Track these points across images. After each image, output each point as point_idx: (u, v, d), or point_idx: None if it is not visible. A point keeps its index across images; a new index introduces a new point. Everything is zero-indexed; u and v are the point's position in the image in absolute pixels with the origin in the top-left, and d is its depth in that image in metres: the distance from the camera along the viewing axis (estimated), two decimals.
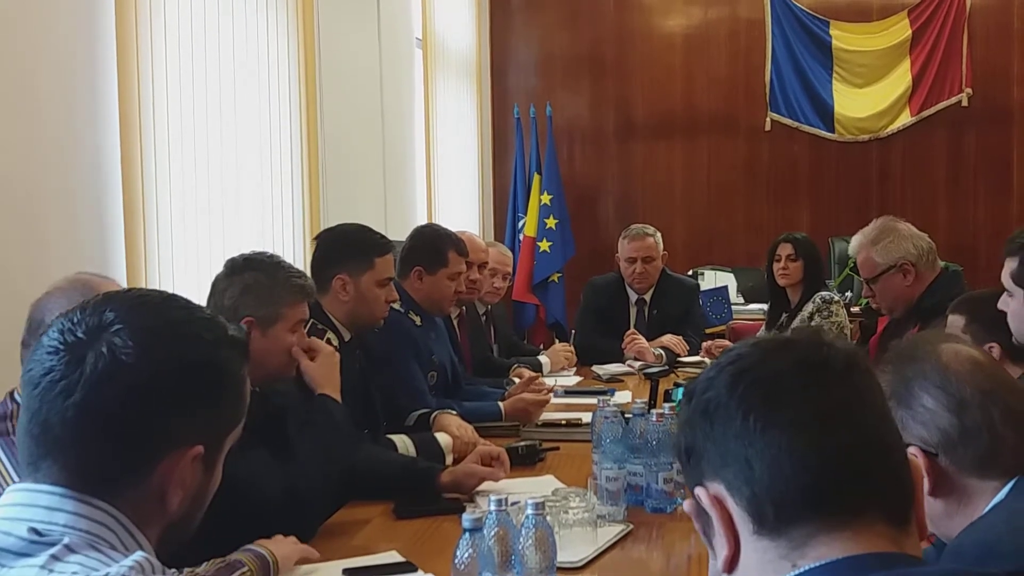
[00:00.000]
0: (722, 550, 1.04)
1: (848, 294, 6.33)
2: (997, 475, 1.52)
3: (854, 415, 1.02)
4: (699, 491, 1.06)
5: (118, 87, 2.98)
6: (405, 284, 3.63)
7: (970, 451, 1.52)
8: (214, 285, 2.45)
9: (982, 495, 1.52)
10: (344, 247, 3.11)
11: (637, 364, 4.66)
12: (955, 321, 2.66)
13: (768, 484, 1.00)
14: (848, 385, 1.04)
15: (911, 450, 1.52)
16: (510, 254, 5.33)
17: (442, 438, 3.06)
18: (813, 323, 4.63)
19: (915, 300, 3.59)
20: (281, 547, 2.07)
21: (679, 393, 3.48)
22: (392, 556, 2.19)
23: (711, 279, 7.05)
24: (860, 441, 1.01)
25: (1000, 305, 2.46)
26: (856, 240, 3.78)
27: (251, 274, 2.41)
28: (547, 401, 3.60)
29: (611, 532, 2.34)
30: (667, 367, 4.50)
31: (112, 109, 2.97)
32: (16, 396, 2.05)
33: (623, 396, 3.98)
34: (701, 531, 1.08)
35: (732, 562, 1.03)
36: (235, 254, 2.52)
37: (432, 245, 3.69)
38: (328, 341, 2.95)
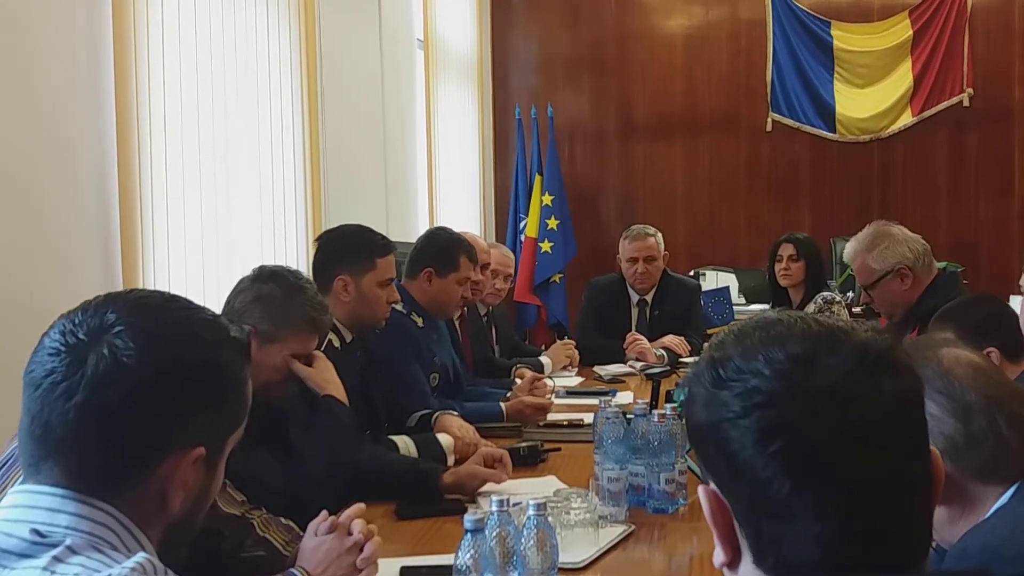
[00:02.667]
0: (720, 553, 0.99)
1: (850, 294, 6.32)
2: (1000, 480, 1.52)
3: (892, 487, 0.93)
4: (702, 490, 1.00)
5: (115, 88, 2.97)
6: (412, 285, 3.63)
7: (975, 457, 1.52)
8: (236, 284, 2.46)
9: (985, 501, 1.52)
10: (345, 248, 3.11)
11: (639, 365, 4.66)
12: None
13: (775, 543, 0.94)
14: (893, 451, 0.93)
15: None
16: (512, 255, 5.33)
17: (443, 439, 3.05)
18: None
19: (914, 303, 3.58)
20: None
21: (680, 394, 3.47)
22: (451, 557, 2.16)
23: (712, 279, 7.05)
24: (891, 517, 0.93)
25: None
26: (851, 247, 3.75)
27: (269, 287, 2.40)
28: (548, 407, 3.59)
29: (613, 533, 2.34)
30: (669, 368, 4.51)
31: (110, 110, 2.96)
32: None
33: (625, 397, 3.97)
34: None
35: (730, 567, 0.99)
36: (244, 270, 2.53)
37: (445, 248, 3.70)
38: (329, 342, 2.95)
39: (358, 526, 1.95)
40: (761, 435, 0.92)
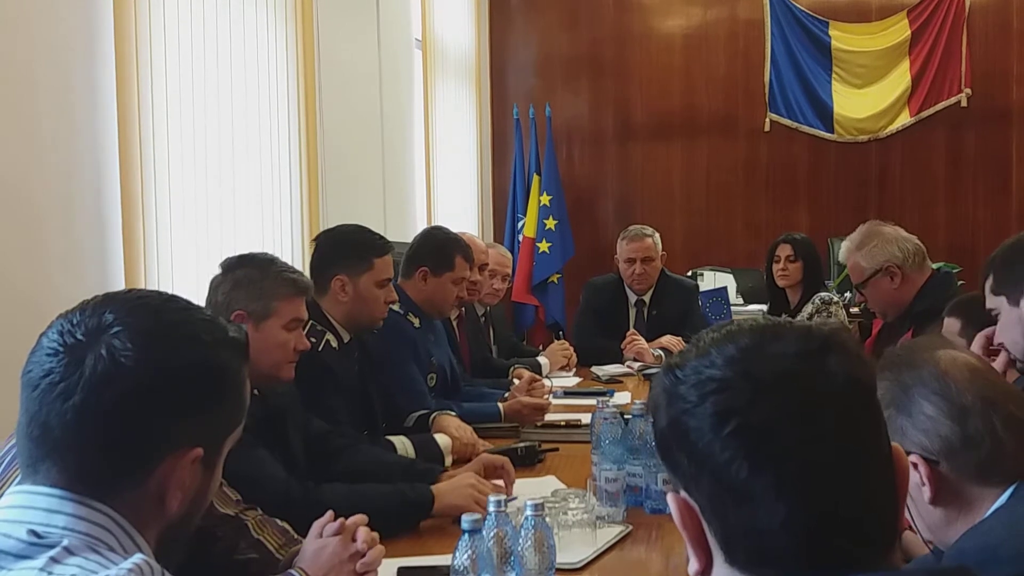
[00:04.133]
0: (693, 561, 1.00)
1: (848, 295, 6.32)
2: (998, 482, 1.52)
3: (848, 466, 0.95)
4: (671, 497, 1.01)
5: (116, 90, 2.97)
6: (408, 284, 3.63)
7: (972, 458, 1.52)
8: (211, 283, 2.45)
9: (982, 502, 1.52)
10: (343, 248, 3.10)
11: (636, 365, 4.67)
12: (951, 324, 2.65)
13: (742, 534, 0.95)
14: (846, 429, 0.95)
15: (911, 458, 1.51)
16: (509, 255, 5.33)
17: (441, 439, 3.05)
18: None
19: (907, 303, 3.58)
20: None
21: None
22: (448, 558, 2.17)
23: (710, 280, 7.04)
24: (850, 498, 0.94)
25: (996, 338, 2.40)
26: (844, 246, 3.78)
27: (243, 270, 2.41)
28: (546, 407, 3.59)
29: (610, 533, 2.34)
30: None
31: (111, 111, 2.97)
32: None
33: (622, 397, 3.98)
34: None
35: (703, 575, 1.00)
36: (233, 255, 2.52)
37: (441, 248, 3.69)
38: (327, 342, 2.95)
39: (362, 534, 1.96)
40: (717, 418, 0.95)
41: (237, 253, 2.51)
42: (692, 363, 0.99)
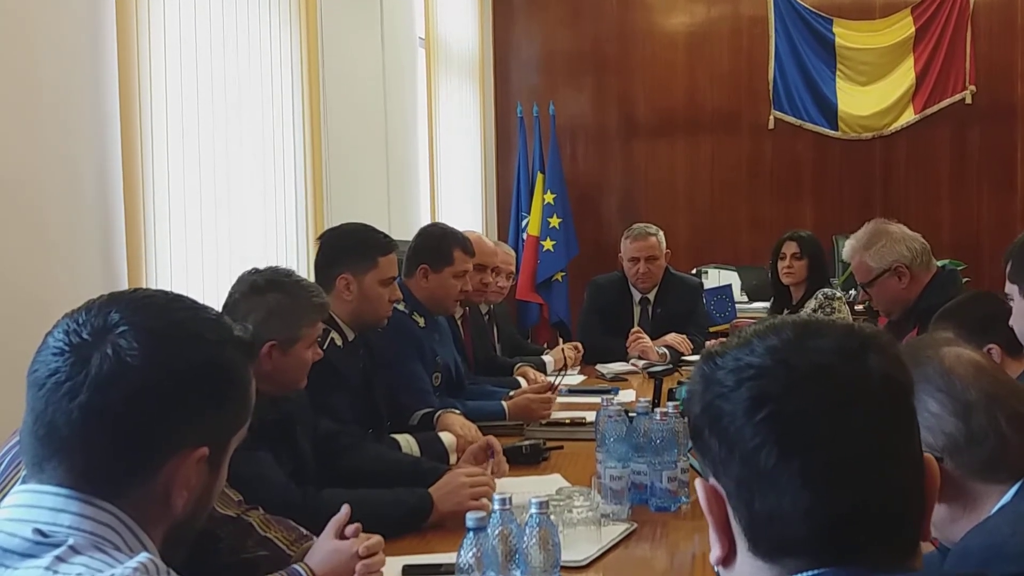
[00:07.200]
0: (716, 547, 1.02)
1: (852, 292, 6.31)
2: (1002, 478, 1.52)
3: (876, 463, 0.95)
4: (699, 483, 1.03)
5: (119, 88, 2.97)
6: (410, 283, 3.62)
7: (976, 455, 1.52)
8: (233, 305, 2.41)
9: (987, 499, 1.52)
10: (347, 246, 3.11)
11: (641, 363, 4.67)
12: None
13: (767, 521, 0.96)
14: (879, 426, 0.96)
15: None
16: (513, 253, 5.32)
17: (446, 437, 3.06)
18: None
19: (912, 301, 3.58)
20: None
21: (683, 392, 3.48)
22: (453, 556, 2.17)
23: (715, 278, 7.04)
24: (877, 496, 0.95)
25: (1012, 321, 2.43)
26: (849, 245, 3.77)
27: (275, 296, 2.41)
28: (552, 399, 3.59)
29: (615, 531, 2.34)
30: (671, 366, 4.52)
31: (113, 109, 2.97)
32: None
33: (627, 395, 3.98)
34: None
35: (725, 562, 1.01)
36: (246, 268, 2.51)
37: (438, 244, 3.68)
38: (332, 341, 2.95)
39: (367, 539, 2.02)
40: (751, 403, 0.96)
41: (256, 269, 2.50)
42: (732, 352, 1.01)
